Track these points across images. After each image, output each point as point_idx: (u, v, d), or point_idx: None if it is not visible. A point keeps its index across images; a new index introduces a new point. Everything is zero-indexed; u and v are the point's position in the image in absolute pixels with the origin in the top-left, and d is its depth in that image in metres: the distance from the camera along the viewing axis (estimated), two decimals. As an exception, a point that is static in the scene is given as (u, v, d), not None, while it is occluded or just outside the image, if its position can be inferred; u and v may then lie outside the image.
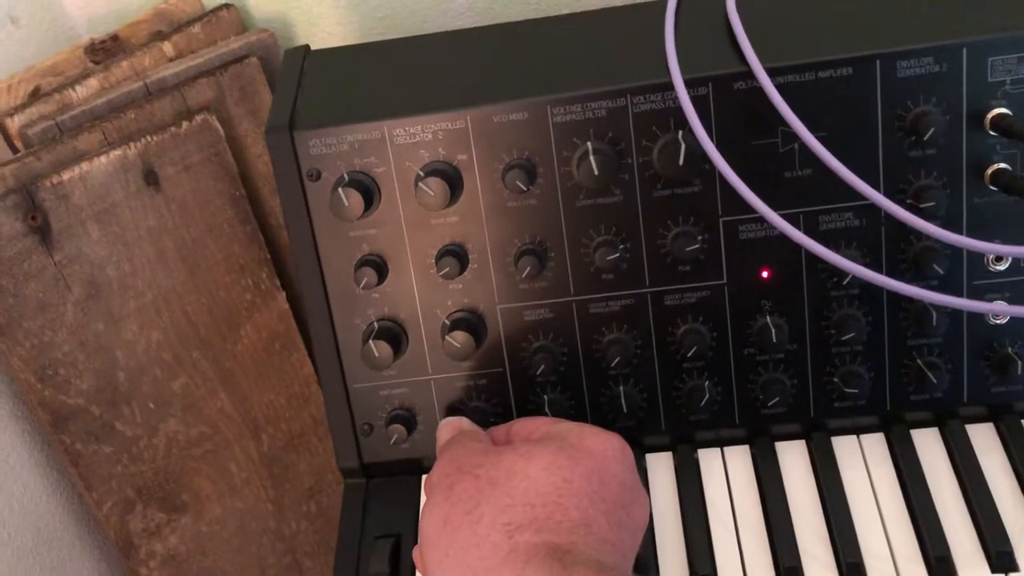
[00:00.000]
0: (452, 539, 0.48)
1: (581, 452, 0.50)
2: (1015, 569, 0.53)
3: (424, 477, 0.62)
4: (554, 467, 0.49)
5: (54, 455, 0.72)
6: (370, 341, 0.58)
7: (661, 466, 0.61)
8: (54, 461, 0.72)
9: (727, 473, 0.60)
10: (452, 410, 0.61)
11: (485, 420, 0.60)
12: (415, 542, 0.58)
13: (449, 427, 0.57)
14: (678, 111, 0.53)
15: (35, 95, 0.69)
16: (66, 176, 0.65)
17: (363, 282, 0.57)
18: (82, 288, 0.67)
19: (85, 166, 0.65)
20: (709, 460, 0.61)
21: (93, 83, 0.69)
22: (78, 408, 0.69)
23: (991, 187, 0.54)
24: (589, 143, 0.55)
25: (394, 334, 0.59)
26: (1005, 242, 0.55)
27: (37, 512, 0.71)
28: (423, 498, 0.61)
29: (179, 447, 0.74)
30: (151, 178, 0.68)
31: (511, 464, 0.50)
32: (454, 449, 0.53)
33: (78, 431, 0.69)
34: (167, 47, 0.71)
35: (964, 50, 0.52)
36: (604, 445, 0.51)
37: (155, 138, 0.67)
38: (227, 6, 0.74)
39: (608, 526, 0.48)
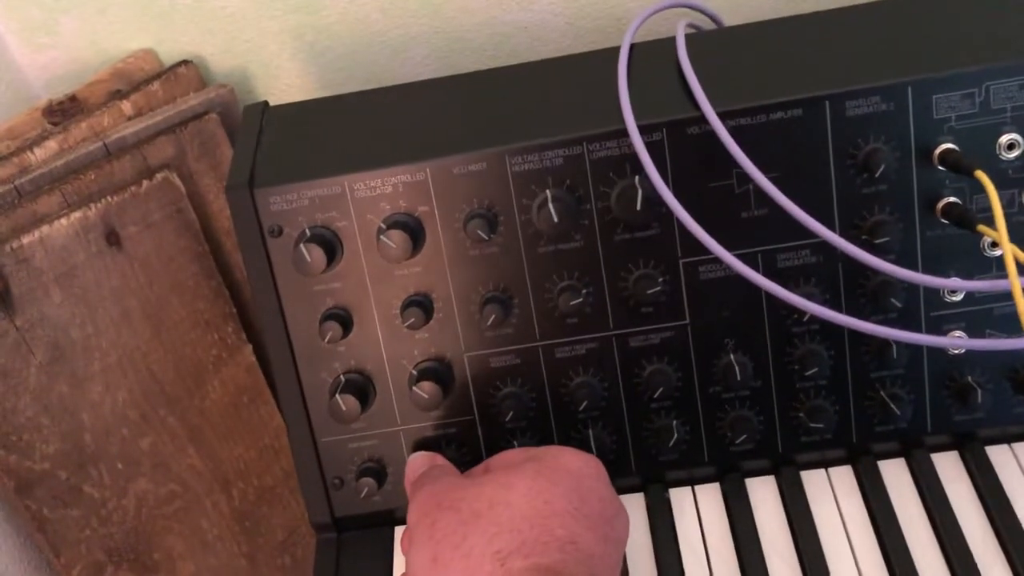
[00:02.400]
0: (444, 575, 0.48)
1: (558, 473, 0.51)
2: (984, 596, 0.53)
3: (397, 529, 0.62)
4: (534, 491, 0.50)
5: (20, 522, 0.71)
6: (337, 395, 0.58)
7: (633, 507, 0.61)
8: (21, 528, 0.71)
9: (699, 512, 0.60)
10: (421, 448, 0.61)
11: (457, 469, 0.60)
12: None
13: (420, 461, 0.57)
14: (634, 157, 0.54)
15: (-7, 158, 0.69)
16: (26, 240, 0.64)
17: (328, 336, 0.57)
18: (45, 352, 0.66)
19: (45, 229, 0.65)
20: (680, 499, 0.61)
21: (52, 145, 0.69)
22: (44, 473, 0.68)
23: (943, 220, 0.55)
24: (548, 191, 0.56)
25: (361, 387, 0.59)
26: (959, 273, 0.56)
27: (5, 580, 0.70)
28: (397, 549, 0.61)
29: (149, 506, 0.73)
30: (113, 238, 0.68)
31: (491, 494, 0.50)
32: (430, 486, 0.53)
33: (45, 496, 0.68)
34: (126, 106, 0.71)
35: (909, 89, 0.53)
36: (580, 463, 0.53)
37: (116, 198, 0.67)
38: (185, 63, 0.74)
39: (594, 540, 0.49)
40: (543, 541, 0.48)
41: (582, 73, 0.61)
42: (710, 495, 0.61)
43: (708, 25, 0.66)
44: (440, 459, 0.58)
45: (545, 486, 0.50)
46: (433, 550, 0.49)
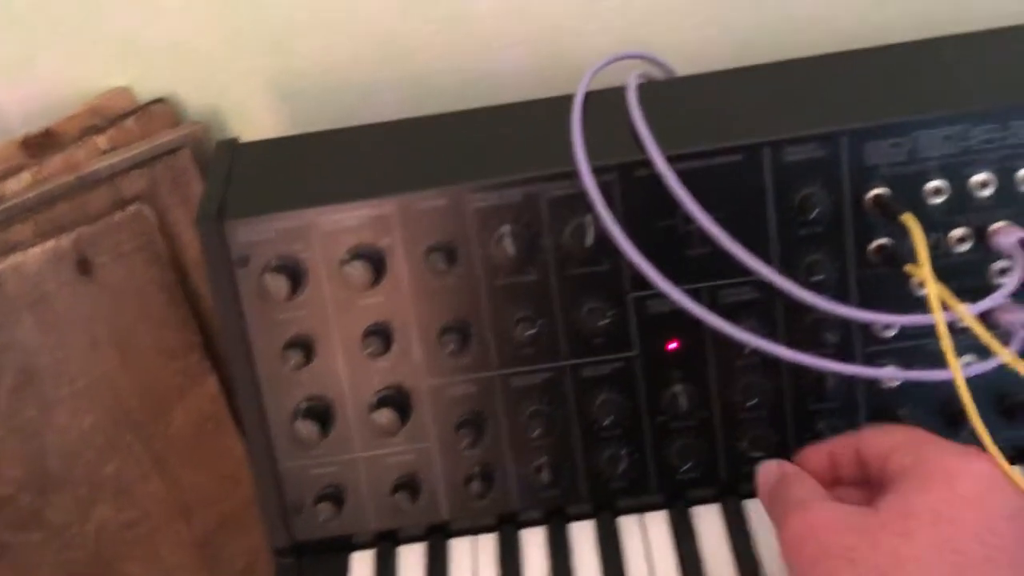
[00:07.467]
0: None
1: (956, 505, 0.45)
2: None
3: (354, 554, 0.64)
4: (940, 542, 0.43)
5: (-19, 545, 0.71)
6: (297, 420, 0.60)
7: (584, 535, 0.63)
8: (-19, 551, 0.72)
9: (647, 539, 0.63)
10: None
11: (415, 495, 0.62)
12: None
13: (769, 469, 0.54)
14: (586, 196, 0.57)
15: (-31, 189, 0.71)
16: (-1, 267, 0.66)
17: (291, 362, 0.59)
18: (14, 376, 0.68)
19: (18, 257, 0.67)
20: (629, 527, 0.63)
21: (26, 176, 0.71)
22: (7, 497, 0.69)
23: (875, 260, 0.59)
24: (506, 226, 0.58)
25: (321, 413, 0.61)
26: (892, 310, 0.59)
27: (-37, 604, 0.70)
28: (353, 573, 0.63)
29: (110, 532, 0.74)
30: (84, 267, 0.69)
31: (891, 548, 0.44)
32: (802, 513, 0.48)
33: (6, 521, 0.69)
34: (101, 140, 0.73)
35: (844, 138, 0.57)
36: (978, 486, 0.45)
37: (88, 228, 0.69)
38: (160, 100, 0.77)
39: None
40: None
41: (540, 117, 0.64)
42: (658, 523, 0.63)
43: (662, 75, 0.70)
44: (789, 467, 0.54)
45: (949, 533, 0.44)
46: None
